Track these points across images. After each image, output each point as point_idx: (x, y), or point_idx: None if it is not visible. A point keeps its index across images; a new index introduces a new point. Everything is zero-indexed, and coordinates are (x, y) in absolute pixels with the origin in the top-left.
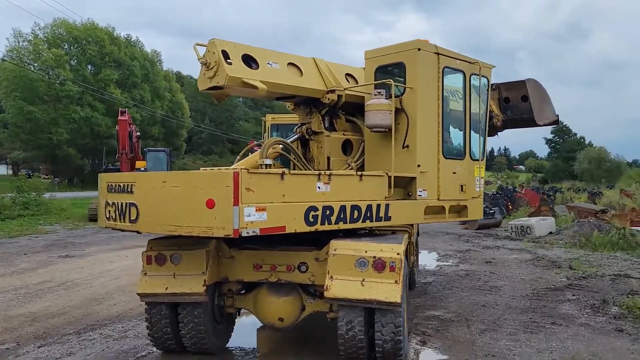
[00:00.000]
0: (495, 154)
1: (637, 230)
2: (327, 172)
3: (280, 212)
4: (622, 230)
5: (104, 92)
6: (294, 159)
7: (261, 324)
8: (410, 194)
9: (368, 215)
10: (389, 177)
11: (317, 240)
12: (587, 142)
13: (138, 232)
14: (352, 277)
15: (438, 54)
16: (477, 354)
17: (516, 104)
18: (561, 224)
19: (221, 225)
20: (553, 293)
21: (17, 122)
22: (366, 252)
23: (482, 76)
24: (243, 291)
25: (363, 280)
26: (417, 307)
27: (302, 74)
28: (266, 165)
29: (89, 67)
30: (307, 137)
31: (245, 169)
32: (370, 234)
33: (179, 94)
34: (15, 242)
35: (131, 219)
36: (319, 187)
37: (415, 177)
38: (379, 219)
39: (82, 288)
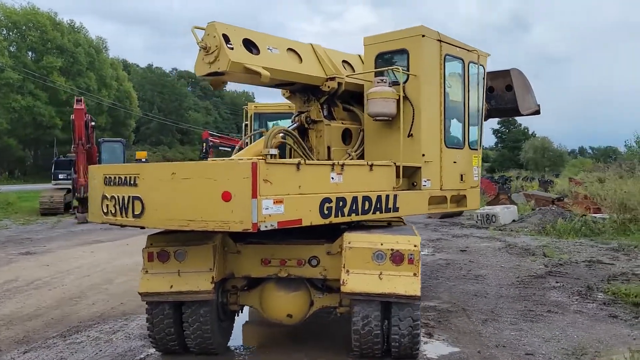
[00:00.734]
0: None
1: (597, 217)
2: (340, 162)
3: (296, 204)
4: (583, 218)
5: (47, 79)
6: (298, 149)
7: (247, 320)
8: (415, 184)
9: (378, 206)
10: (397, 167)
11: (322, 233)
12: (531, 132)
13: (142, 228)
14: (369, 270)
15: (440, 41)
16: (487, 345)
17: (500, 93)
18: (522, 211)
19: (239, 219)
20: (537, 281)
21: None
22: (382, 244)
23: (480, 64)
24: (246, 287)
25: (380, 273)
26: None
27: (301, 60)
28: (271, 155)
29: (30, 53)
30: (306, 125)
31: (262, 159)
32: (376, 226)
33: (127, 83)
34: None
35: (135, 213)
36: (332, 178)
37: (420, 167)
38: (387, 210)
39: (53, 287)
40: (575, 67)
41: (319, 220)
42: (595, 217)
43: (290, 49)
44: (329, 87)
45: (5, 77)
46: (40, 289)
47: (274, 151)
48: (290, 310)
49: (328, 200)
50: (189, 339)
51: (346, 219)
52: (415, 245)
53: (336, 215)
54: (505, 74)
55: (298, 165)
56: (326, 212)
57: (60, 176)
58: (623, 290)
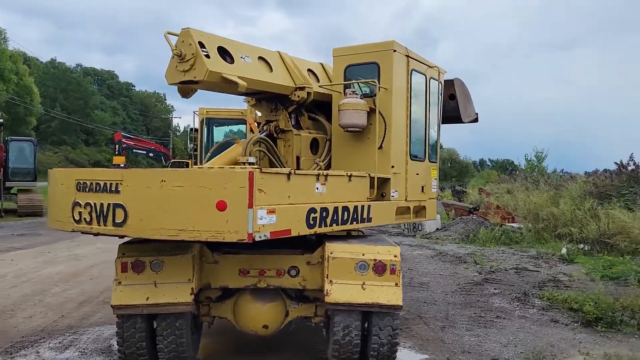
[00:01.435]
0: None
1: (514, 226)
2: (324, 173)
3: (286, 214)
4: (501, 227)
5: None
6: (274, 158)
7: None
8: (384, 194)
9: (355, 216)
10: (372, 178)
11: (295, 243)
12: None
13: (120, 237)
14: (352, 280)
15: (408, 56)
16: (453, 351)
17: (444, 102)
18: (444, 220)
19: (234, 229)
20: (477, 287)
21: None
22: (363, 254)
23: (439, 81)
24: (218, 299)
25: (363, 283)
26: None
27: (271, 69)
28: (249, 163)
29: None
30: (275, 135)
31: (259, 168)
32: (350, 236)
33: (27, 77)
34: None
35: (116, 222)
36: (317, 188)
37: (389, 178)
38: (362, 220)
39: None
40: (479, 82)
41: (305, 231)
42: (512, 227)
43: (260, 58)
44: (298, 96)
45: None
46: None
47: (252, 159)
48: (266, 321)
49: (314, 210)
50: (162, 352)
51: (328, 229)
52: (395, 256)
53: (320, 225)
54: (449, 83)
55: (289, 175)
56: (312, 222)
57: None
58: (557, 296)
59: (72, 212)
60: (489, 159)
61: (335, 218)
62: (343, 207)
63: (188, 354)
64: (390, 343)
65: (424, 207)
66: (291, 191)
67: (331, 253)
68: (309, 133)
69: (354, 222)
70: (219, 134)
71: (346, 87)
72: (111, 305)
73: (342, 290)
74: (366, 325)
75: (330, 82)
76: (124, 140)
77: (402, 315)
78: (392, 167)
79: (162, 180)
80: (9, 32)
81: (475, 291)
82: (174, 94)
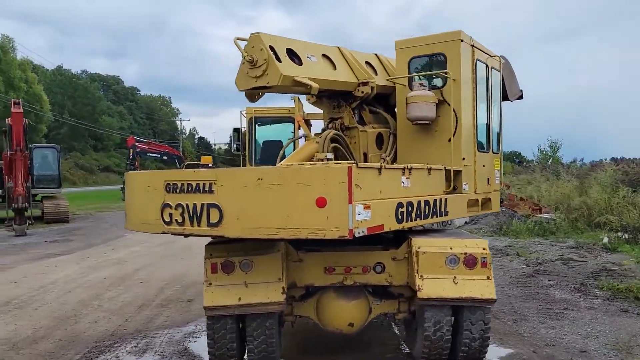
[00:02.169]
0: None
1: (544, 217)
2: (409, 167)
3: (379, 209)
4: (533, 218)
5: None
6: (348, 154)
7: None
8: (456, 187)
9: (435, 210)
10: (447, 171)
11: (374, 239)
12: None
13: (220, 237)
14: (443, 275)
15: (473, 46)
16: (536, 344)
17: None
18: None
19: (334, 226)
20: (531, 280)
21: None
22: (451, 248)
23: (499, 70)
24: (301, 298)
25: (454, 277)
26: None
27: (335, 66)
28: (328, 159)
29: None
30: (343, 132)
31: (355, 163)
32: (431, 230)
33: (37, 85)
34: None
35: (211, 222)
36: (403, 182)
37: (461, 171)
38: (440, 214)
39: (37, 306)
40: None
41: (395, 226)
42: (544, 217)
43: (324, 55)
44: (362, 92)
45: None
46: (23, 308)
47: (331, 155)
48: (352, 318)
49: (401, 205)
50: (251, 353)
51: (413, 224)
52: (484, 249)
53: (407, 220)
54: None
55: (380, 169)
56: (400, 216)
57: None
58: (617, 285)
59: (162, 214)
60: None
61: (419, 212)
62: (425, 201)
63: (277, 353)
64: (482, 338)
65: (490, 199)
66: (382, 186)
67: (419, 248)
68: (373, 128)
69: (434, 216)
70: (262, 133)
71: (412, 79)
72: (204, 307)
73: (434, 285)
74: (455, 320)
75: (387, 72)
76: (137, 144)
77: None
78: (463, 159)
79: (259, 179)
80: (16, 40)
81: (530, 283)
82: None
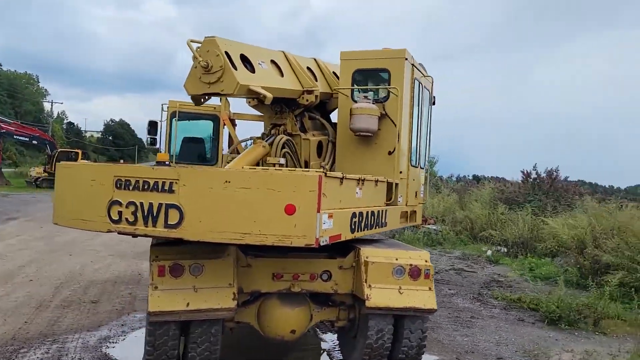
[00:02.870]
0: None
1: (430, 228)
2: (362, 177)
3: (339, 219)
4: (423, 229)
5: None
6: (296, 161)
7: None
8: (392, 199)
9: (378, 221)
10: (389, 184)
11: (316, 248)
12: None
13: (171, 240)
14: (390, 285)
15: (413, 64)
16: (457, 351)
17: None
18: None
19: (302, 234)
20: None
21: None
22: (397, 259)
23: (430, 90)
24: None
25: (400, 288)
26: None
27: (282, 73)
28: (280, 164)
29: None
30: None
31: (324, 171)
32: (372, 240)
33: None
34: None
35: (169, 223)
36: (357, 193)
37: (397, 184)
38: (381, 224)
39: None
40: None
41: (349, 235)
42: (430, 228)
43: (272, 61)
44: (307, 100)
45: None
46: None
47: (283, 160)
48: (294, 325)
49: (354, 214)
50: None
51: (362, 234)
52: (426, 261)
53: (358, 230)
54: None
55: (342, 179)
56: (353, 226)
57: None
58: (509, 296)
59: (108, 212)
60: None
61: (367, 222)
62: (371, 212)
63: None
64: (419, 346)
65: (415, 212)
66: (341, 195)
67: (367, 257)
68: (314, 136)
69: (377, 227)
70: (180, 128)
71: (354, 90)
72: (148, 312)
73: (381, 295)
74: (395, 328)
75: (325, 79)
76: (2, 125)
77: None
78: (400, 172)
79: (227, 181)
80: None
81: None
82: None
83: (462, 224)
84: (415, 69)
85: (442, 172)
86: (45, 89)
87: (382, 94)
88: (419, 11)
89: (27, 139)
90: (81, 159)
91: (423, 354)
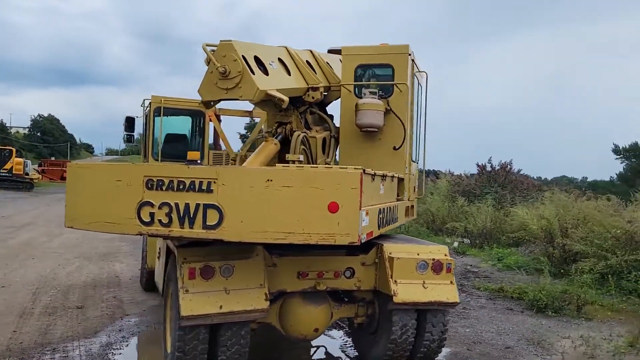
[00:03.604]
0: None
1: None
2: (385, 174)
3: (371, 216)
4: None
5: None
6: (311, 158)
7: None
8: (399, 194)
9: (393, 217)
10: (399, 179)
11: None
12: None
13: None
14: (414, 280)
15: (413, 60)
16: (466, 342)
17: None
18: None
19: (345, 232)
20: None
21: None
22: (418, 254)
23: (425, 85)
24: None
25: (424, 282)
26: None
27: (289, 71)
28: (299, 161)
29: None
30: (289, 137)
31: (362, 169)
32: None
33: None
34: None
35: (208, 224)
36: (381, 189)
37: (403, 179)
38: (394, 220)
39: None
40: None
41: (377, 232)
42: None
43: (279, 60)
44: (312, 97)
45: None
46: None
47: (302, 157)
48: (317, 324)
49: (380, 211)
50: None
51: (384, 230)
52: (446, 255)
53: (381, 226)
54: None
55: (373, 176)
56: (379, 223)
57: None
58: (490, 286)
59: (139, 213)
60: None
61: (387, 219)
62: (389, 207)
63: None
64: (440, 339)
65: (413, 206)
66: (372, 192)
67: (391, 254)
68: (317, 132)
69: (392, 223)
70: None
71: (362, 86)
72: (182, 317)
73: (407, 290)
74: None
75: (323, 72)
76: None
77: None
78: (406, 167)
79: (269, 180)
80: None
81: None
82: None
83: (423, 217)
84: (414, 64)
85: None
86: None
87: (387, 90)
88: (353, 8)
89: None
90: (15, 156)
91: (443, 346)
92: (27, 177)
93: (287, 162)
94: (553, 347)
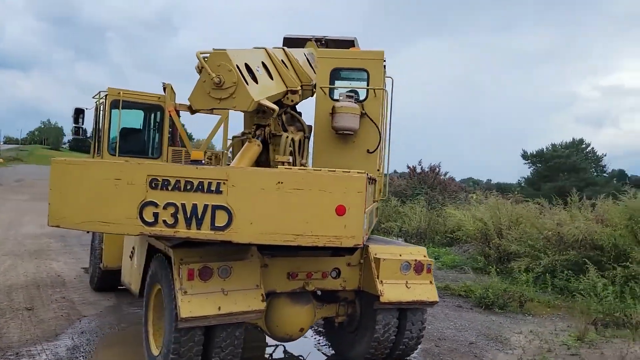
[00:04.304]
0: None
1: None
2: (370, 176)
3: (368, 218)
4: None
5: None
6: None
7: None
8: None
9: (372, 218)
10: (375, 181)
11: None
12: None
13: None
14: (398, 280)
15: (385, 66)
16: (432, 339)
17: None
18: None
19: (351, 234)
20: None
21: None
22: (401, 255)
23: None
24: None
25: (406, 283)
26: None
27: (271, 76)
28: (289, 162)
29: None
30: (269, 140)
31: (365, 172)
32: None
33: None
34: None
35: (216, 225)
36: (368, 191)
37: (377, 181)
38: (373, 222)
39: None
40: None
41: (367, 232)
42: None
43: (262, 63)
44: (292, 100)
45: None
46: None
47: (291, 159)
48: (303, 324)
49: (370, 213)
50: None
51: (368, 232)
52: (425, 256)
53: (369, 228)
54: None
55: (370, 179)
56: (368, 224)
57: None
58: (438, 285)
59: (141, 213)
60: None
61: (370, 220)
62: (371, 210)
63: None
64: (419, 336)
65: (378, 208)
66: (369, 196)
67: (376, 255)
68: (292, 133)
69: (372, 224)
70: (116, 119)
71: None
72: (181, 318)
73: (392, 290)
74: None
75: (295, 71)
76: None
77: None
78: (378, 170)
79: (279, 182)
80: None
81: None
82: None
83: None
84: (385, 68)
85: None
86: None
87: (362, 94)
88: (281, 6)
89: None
90: None
91: (420, 343)
92: None
93: (269, 163)
94: (510, 341)
